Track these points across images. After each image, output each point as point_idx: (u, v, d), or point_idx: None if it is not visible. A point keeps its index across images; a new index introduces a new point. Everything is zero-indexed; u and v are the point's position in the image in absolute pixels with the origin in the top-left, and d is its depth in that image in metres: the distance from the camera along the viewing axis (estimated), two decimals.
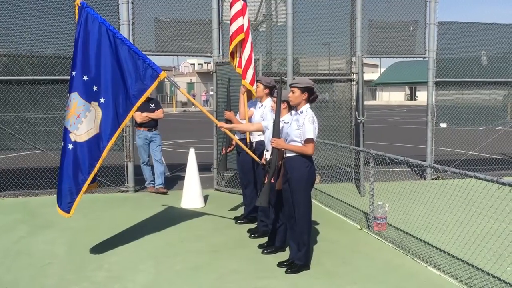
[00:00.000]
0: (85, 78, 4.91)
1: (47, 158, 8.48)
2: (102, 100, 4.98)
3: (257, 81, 5.84)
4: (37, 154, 8.76)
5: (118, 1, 7.88)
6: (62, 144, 4.93)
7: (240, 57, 5.98)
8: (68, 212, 4.95)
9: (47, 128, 7.84)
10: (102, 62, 4.96)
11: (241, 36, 5.91)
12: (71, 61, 4.94)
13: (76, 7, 4.91)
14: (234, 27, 5.94)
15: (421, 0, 8.98)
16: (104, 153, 5.00)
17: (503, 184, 3.84)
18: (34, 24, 7.66)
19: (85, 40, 4.89)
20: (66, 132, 4.93)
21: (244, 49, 5.94)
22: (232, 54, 6.10)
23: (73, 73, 4.90)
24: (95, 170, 4.96)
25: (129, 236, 5.69)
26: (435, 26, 9.01)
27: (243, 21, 5.93)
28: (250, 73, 5.94)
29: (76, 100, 4.89)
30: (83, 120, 4.91)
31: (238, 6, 5.95)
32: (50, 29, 7.70)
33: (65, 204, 4.93)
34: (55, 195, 5.04)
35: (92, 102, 4.96)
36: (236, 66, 6.06)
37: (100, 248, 5.24)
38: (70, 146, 4.90)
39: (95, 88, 4.95)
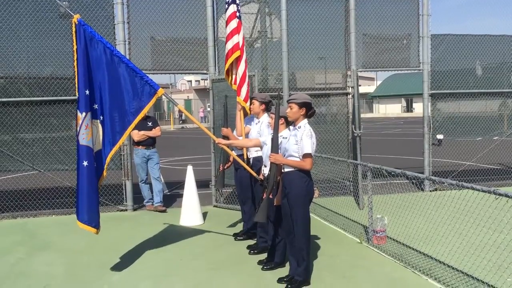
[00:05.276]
0: (89, 95, 4.91)
1: (45, 178, 8.48)
2: (102, 117, 5.03)
3: (252, 98, 5.87)
4: (35, 175, 8.74)
5: (114, 21, 7.95)
6: (86, 164, 4.82)
7: (236, 74, 6.04)
8: (99, 227, 5.01)
9: (45, 149, 7.84)
10: (100, 80, 4.97)
11: (236, 54, 5.99)
12: (77, 80, 4.85)
13: (73, 25, 4.83)
14: (229, 45, 6.02)
15: (414, 13, 9.09)
16: (104, 172, 5.05)
17: (500, 194, 3.85)
18: (30, 46, 7.71)
19: (86, 57, 4.86)
20: (89, 150, 4.87)
21: (239, 66, 6.01)
22: (228, 72, 6.16)
23: (86, 92, 4.85)
24: (99, 187, 5.05)
25: (129, 255, 5.67)
26: (429, 39, 9.11)
27: (238, 39, 6.01)
28: (244, 90, 6.00)
29: (91, 119, 4.92)
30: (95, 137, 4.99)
31: (233, 24, 6.05)
32: (47, 50, 7.74)
33: (98, 220, 4.98)
34: (54, 216, 5.02)
35: (94, 120, 4.98)
36: (232, 83, 6.12)
37: (99, 268, 5.22)
38: (96, 164, 4.93)
39: (95, 106, 4.98)
